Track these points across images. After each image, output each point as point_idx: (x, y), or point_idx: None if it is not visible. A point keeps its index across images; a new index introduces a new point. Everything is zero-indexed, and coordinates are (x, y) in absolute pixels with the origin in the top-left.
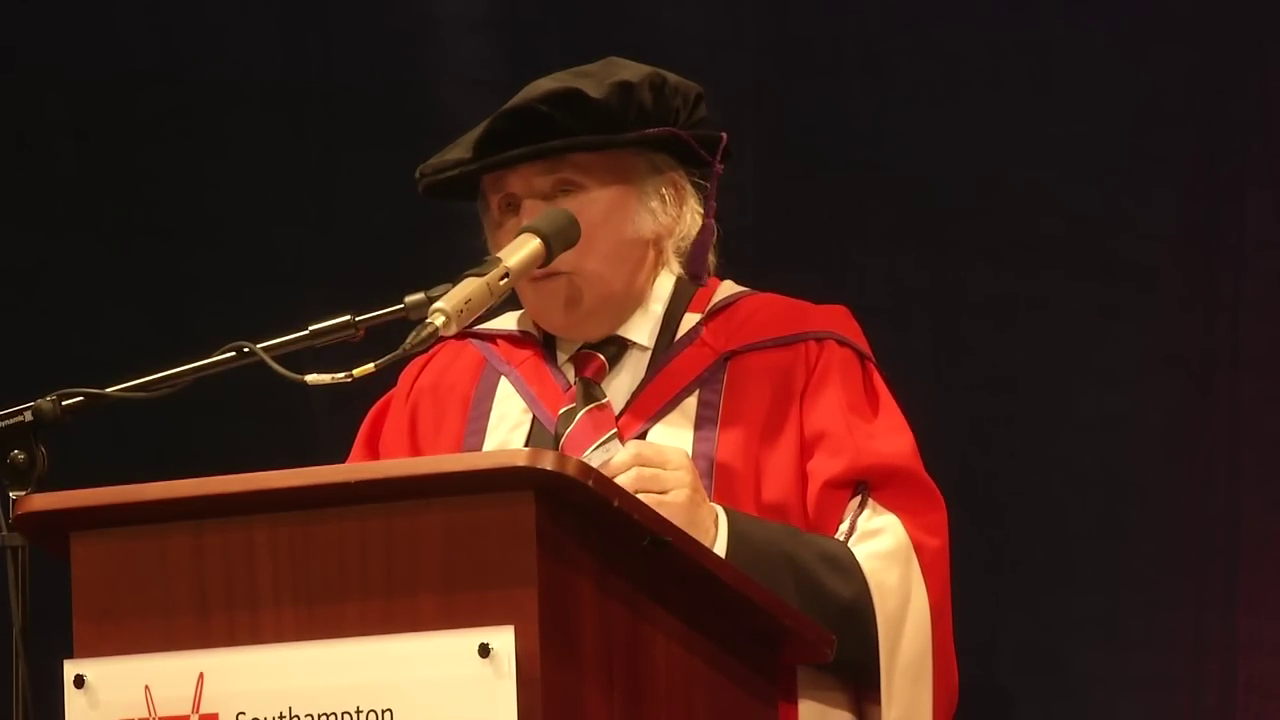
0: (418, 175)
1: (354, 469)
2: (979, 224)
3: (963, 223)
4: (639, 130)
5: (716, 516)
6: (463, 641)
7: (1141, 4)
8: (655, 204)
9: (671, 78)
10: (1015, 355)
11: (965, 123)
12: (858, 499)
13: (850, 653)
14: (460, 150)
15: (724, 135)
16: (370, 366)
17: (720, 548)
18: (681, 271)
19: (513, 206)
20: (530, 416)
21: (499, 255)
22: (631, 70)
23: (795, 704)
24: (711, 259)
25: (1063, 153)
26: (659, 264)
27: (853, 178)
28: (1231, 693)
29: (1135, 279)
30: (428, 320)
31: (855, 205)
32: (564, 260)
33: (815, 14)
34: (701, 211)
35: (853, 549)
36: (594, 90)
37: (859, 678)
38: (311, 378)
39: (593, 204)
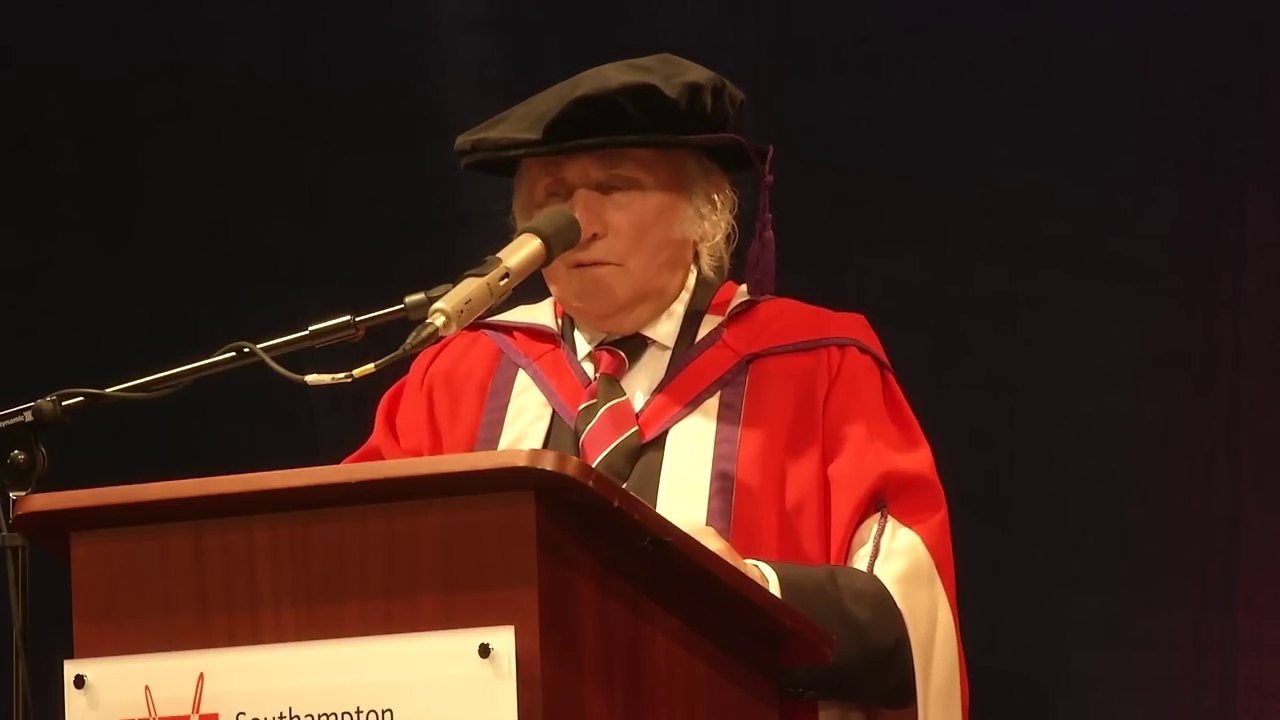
0: (468, 148)
1: (354, 469)
2: (979, 224)
3: (963, 223)
4: (700, 133)
5: (761, 573)
6: (463, 641)
7: (1141, 4)
8: (705, 207)
9: (728, 82)
10: (1015, 355)
11: (965, 123)
12: (878, 514)
13: (890, 684)
14: (518, 127)
15: (771, 148)
16: (370, 367)
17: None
18: (708, 273)
19: (560, 193)
20: (550, 410)
21: (499, 255)
22: (696, 71)
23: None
24: (725, 258)
25: (1063, 153)
26: (691, 266)
27: (853, 178)
28: (1231, 693)
29: (1135, 279)
30: (428, 320)
31: (855, 205)
32: (612, 253)
33: (815, 14)
34: (731, 219)
35: (879, 574)
36: (667, 88)
37: (896, 706)
38: (311, 378)
39: (646, 201)
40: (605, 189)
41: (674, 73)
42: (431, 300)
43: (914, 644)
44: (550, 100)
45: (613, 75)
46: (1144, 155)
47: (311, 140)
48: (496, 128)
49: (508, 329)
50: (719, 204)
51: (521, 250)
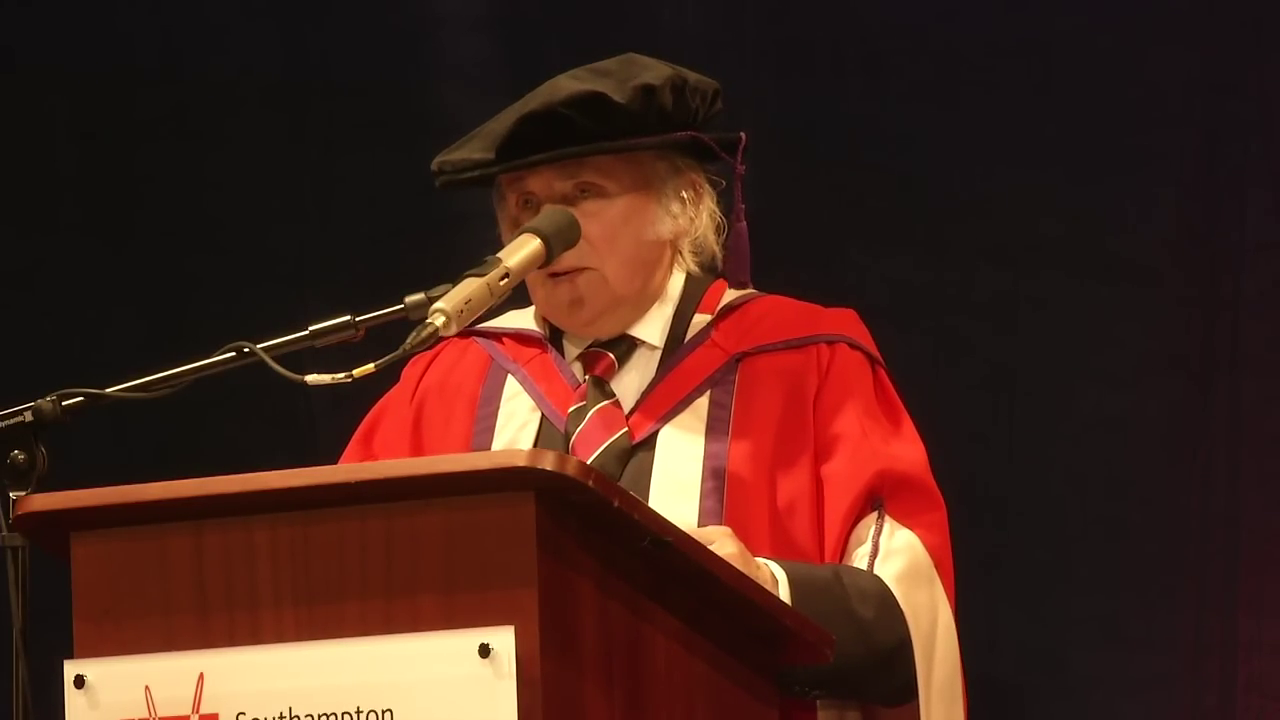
0: (435, 170)
1: (354, 469)
2: (979, 224)
3: (963, 223)
4: (659, 133)
5: (771, 573)
6: (463, 641)
7: (1141, 4)
8: (675, 205)
9: (691, 77)
10: (1015, 355)
11: (965, 123)
12: (875, 514)
13: (893, 684)
14: (478, 146)
15: (743, 135)
16: (370, 366)
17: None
18: (693, 269)
19: (531, 206)
20: (539, 415)
21: (499, 255)
22: (653, 71)
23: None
24: (717, 253)
25: (1063, 153)
26: (673, 263)
27: (853, 178)
28: (1231, 693)
29: (1135, 279)
30: (428, 320)
31: (855, 205)
32: (585, 259)
33: (815, 14)
34: (715, 209)
35: (879, 573)
36: (616, 93)
37: (897, 704)
38: (311, 378)
39: (613, 207)
40: (571, 199)
41: (630, 75)
42: (431, 300)
43: (916, 643)
44: (509, 117)
45: (563, 86)
46: (1144, 155)
47: (312, 141)
48: (465, 147)
49: (497, 335)
50: (690, 200)
51: (521, 250)
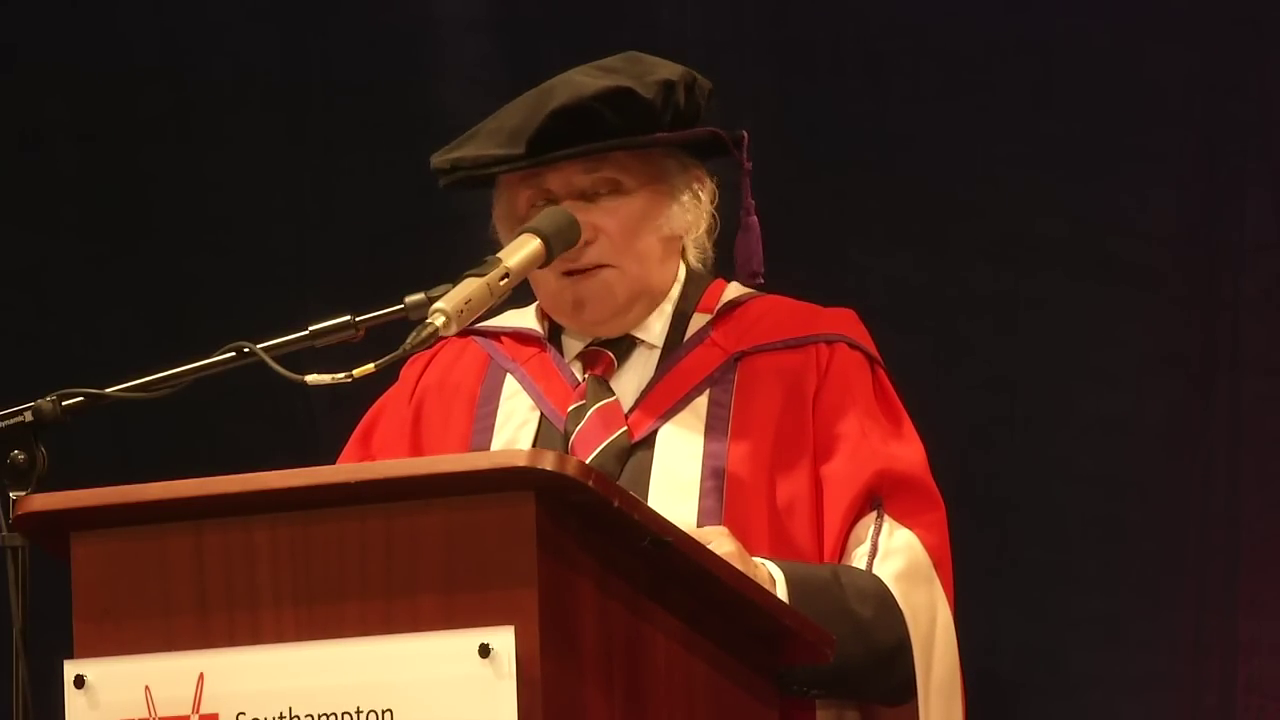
0: (447, 166)
1: (354, 469)
2: (979, 224)
3: (963, 223)
4: (676, 129)
5: (768, 572)
6: (463, 642)
7: (1141, 4)
8: (687, 200)
9: (697, 76)
10: (1015, 355)
11: (965, 123)
12: (874, 513)
13: (893, 683)
14: (491, 143)
15: (745, 134)
16: (370, 366)
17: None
18: (695, 266)
19: (544, 204)
20: (538, 414)
21: (499, 255)
22: (666, 68)
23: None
24: (709, 250)
25: (1063, 153)
26: (678, 260)
27: (853, 178)
28: (1231, 693)
29: (1135, 279)
30: (428, 320)
31: (855, 205)
32: (605, 256)
33: (815, 14)
34: (712, 207)
35: (878, 572)
36: (641, 89)
37: (896, 704)
38: (311, 378)
39: (632, 203)
40: (590, 196)
41: (644, 71)
42: (431, 300)
43: (915, 642)
44: (523, 112)
45: (586, 81)
46: (1144, 155)
47: (312, 140)
48: (471, 144)
49: (495, 334)
50: (700, 196)
51: (521, 250)
